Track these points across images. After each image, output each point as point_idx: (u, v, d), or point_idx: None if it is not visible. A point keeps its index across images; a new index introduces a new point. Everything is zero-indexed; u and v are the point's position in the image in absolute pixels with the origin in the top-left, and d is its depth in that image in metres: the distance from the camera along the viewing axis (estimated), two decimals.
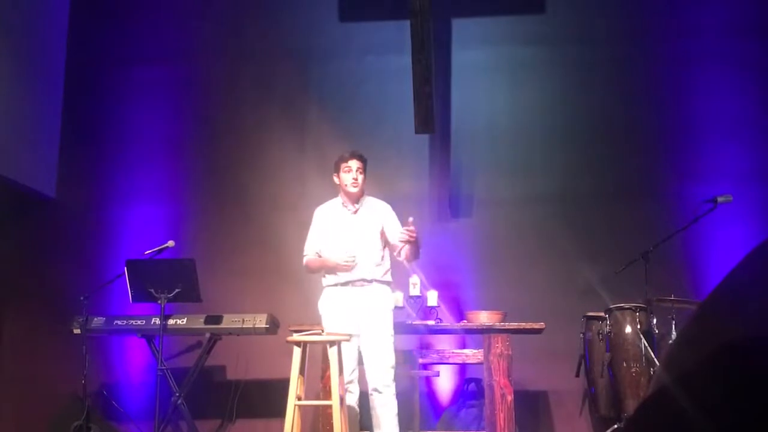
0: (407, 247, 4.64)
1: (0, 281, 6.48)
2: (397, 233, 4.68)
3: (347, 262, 4.56)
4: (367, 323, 4.58)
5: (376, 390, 4.55)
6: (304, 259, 4.82)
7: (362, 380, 5.69)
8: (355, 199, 4.78)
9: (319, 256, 4.77)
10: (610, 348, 5.12)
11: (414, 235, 4.50)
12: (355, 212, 4.78)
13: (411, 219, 4.54)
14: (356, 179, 4.70)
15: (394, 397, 4.57)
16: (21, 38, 6.35)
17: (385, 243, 4.76)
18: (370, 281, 4.64)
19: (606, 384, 5.22)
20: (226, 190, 6.55)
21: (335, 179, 4.81)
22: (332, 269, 4.66)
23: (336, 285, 4.65)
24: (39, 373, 6.24)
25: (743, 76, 6.25)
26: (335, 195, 6.37)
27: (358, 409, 4.65)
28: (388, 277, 4.74)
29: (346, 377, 4.56)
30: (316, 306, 6.02)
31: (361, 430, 5.16)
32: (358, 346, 4.60)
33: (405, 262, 4.81)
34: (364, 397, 5.68)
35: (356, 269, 4.60)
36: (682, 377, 0.76)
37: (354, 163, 4.72)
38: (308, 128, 6.62)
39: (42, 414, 5.94)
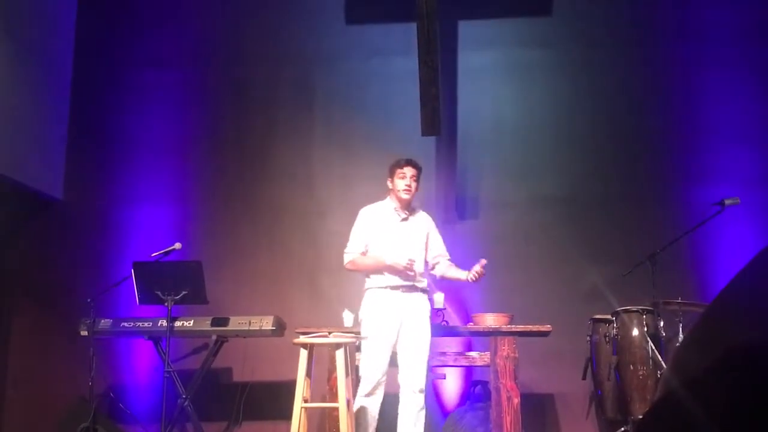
0: (457, 274, 4.77)
1: (7, 283, 6.50)
2: (439, 246, 4.85)
3: (407, 266, 4.56)
4: (410, 328, 4.61)
5: (413, 392, 4.56)
6: (348, 256, 4.79)
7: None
8: (406, 205, 4.82)
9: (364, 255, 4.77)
10: (617, 351, 5.11)
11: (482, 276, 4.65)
12: (405, 219, 4.81)
13: (485, 261, 4.66)
14: (409, 186, 4.75)
15: (425, 405, 4.63)
16: (28, 42, 6.37)
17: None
18: (419, 289, 4.70)
19: (613, 387, 5.21)
20: (232, 192, 6.56)
21: (388, 183, 4.84)
22: (382, 270, 4.65)
23: (386, 288, 4.64)
24: (46, 375, 6.26)
25: (751, 79, 6.23)
26: (341, 198, 6.42)
27: (377, 413, 4.63)
28: (427, 286, 4.81)
29: (377, 378, 4.55)
30: (323, 308, 6.04)
31: None
32: (393, 351, 4.63)
33: (438, 276, 4.90)
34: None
35: (407, 276, 4.63)
36: (690, 380, 0.76)
37: (409, 170, 4.77)
38: (315, 131, 6.62)
39: (49, 416, 5.95)
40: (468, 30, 6.61)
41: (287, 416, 4.61)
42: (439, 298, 5.39)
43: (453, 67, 6.53)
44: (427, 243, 4.85)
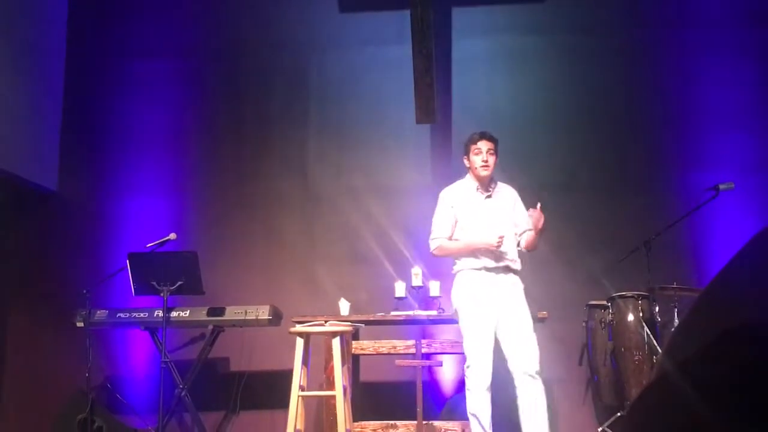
0: (529, 234, 4.51)
1: (2, 276, 6.49)
2: (525, 220, 4.54)
3: (498, 242, 4.31)
4: (509, 311, 4.36)
5: (529, 377, 4.28)
6: (435, 242, 4.54)
7: (367, 370, 5.71)
8: (487, 182, 4.58)
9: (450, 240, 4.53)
10: (613, 336, 5.13)
11: (543, 220, 4.38)
12: (490, 196, 4.56)
13: (540, 205, 4.41)
14: (486, 161, 4.49)
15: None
16: (20, 32, 6.33)
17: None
18: (511, 270, 4.45)
19: (609, 372, 5.23)
20: (227, 181, 6.55)
21: (465, 162, 4.60)
22: (474, 252, 4.41)
23: (481, 269, 4.40)
24: (43, 367, 6.26)
25: (746, 65, 6.23)
26: (336, 186, 6.41)
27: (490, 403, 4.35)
28: (519, 266, 4.54)
29: (487, 366, 4.28)
30: (319, 297, 6.05)
31: (359, 420, 5.18)
32: (495, 336, 4.37)
33: (524, 250, 4.61)
34: (366, 387, 5.71)
35: (500, 256, 4.39)
36: (684, 364, 0.76)
37: (484, 145, 4.52)
38: (309, 119, 6.61)
39: (46, 408, 5.95)
40: (462, 17, 6.59)
41: (284, 405, 4.63)
42: (435, 285, 5.41)
43: (447, 55, 6.51)
44: (514, 217, 4.59)
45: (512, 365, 4.32)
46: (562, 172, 6.29)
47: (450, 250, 4.53)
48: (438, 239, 4.55)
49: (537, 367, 4.28)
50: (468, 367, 4.33)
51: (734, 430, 0.71)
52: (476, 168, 4.52)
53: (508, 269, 4.44)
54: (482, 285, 4.40)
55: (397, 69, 6.35)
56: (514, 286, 4.45)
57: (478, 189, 4.56)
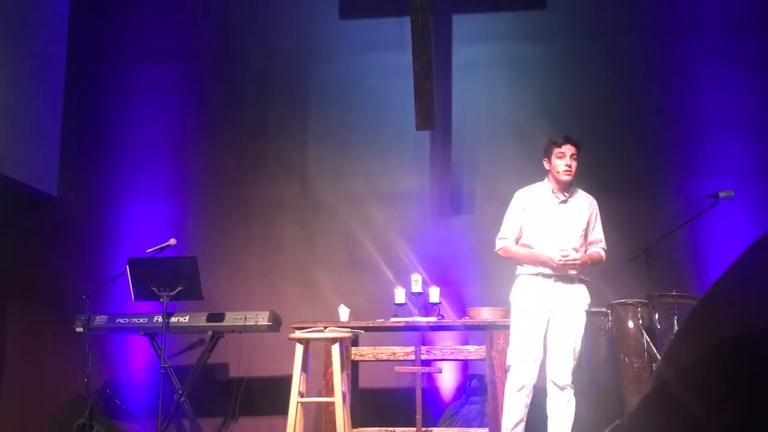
0: (589, 254, 4.48)
1: (2, 280, 6.48)
2: (597, 233, 4.53)
3: (561, 261, 4.28)
4: (560, 318, 4.35)
5: (555, 386, 4.30)
6: (502, 242, 4.50)
7: (367, 376, 5.70)
8: (566, 187, 4.50)
9: (516, 243, 4.48)
10: (612, 344, 5.12)
11: (574, 263, 4.34)
12: (564, 201, 4.49)
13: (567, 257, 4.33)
14: (570, 166, 4.42)
15: (573, 397, 4.33)
16: (21, 37, 6.34)
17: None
18: (574, 279, 4.42)
19: (608, 380, 5.22)
20: (227, 187, 6.56)
21: (545, 164, 4.52)
22: (536, 263, 4.38)
23: (537, 275, 4.36)
24: (42, 372, 6.26)
25: (745, 72, 6.23)
26: (336, 193, 6.41)
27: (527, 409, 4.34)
28: (586, 276, 4.51)
29: (527, 372, 4.28)
30: (319, 303, 6.04)
31: (358, 427, 5.18)
32: (544, 343, 4.36)
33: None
34: (365, 393, 5.70)
35: (560, 266, 4.34)
36: (683, 372, 0.76)
37: (568, 149, 4.44)
38: (309, 125, 6.61)
39: (45, 413, 5.94)
40: (462, 24, 6.60)
41: (283, 411, 4.62)
42: (435, 292, 5.40)
43: (447, 61, 6.52)
44: (587, 228, 4.51)
45: (547, 371, 4.34)
46: None
47: (515, 255, 4.48)
48: (504, 240, 4.50)
49: (566, 381, 4.29)
50: (507, 368, 4.38)
51: None
52: (558, 172, 4.44)
53: (570, 278, 4.39)
54: (537, 291, 4.37)
55: (397, 75, 6.36)
56: (574, 294, 4.40)
57: (553, 192, 4.50)
